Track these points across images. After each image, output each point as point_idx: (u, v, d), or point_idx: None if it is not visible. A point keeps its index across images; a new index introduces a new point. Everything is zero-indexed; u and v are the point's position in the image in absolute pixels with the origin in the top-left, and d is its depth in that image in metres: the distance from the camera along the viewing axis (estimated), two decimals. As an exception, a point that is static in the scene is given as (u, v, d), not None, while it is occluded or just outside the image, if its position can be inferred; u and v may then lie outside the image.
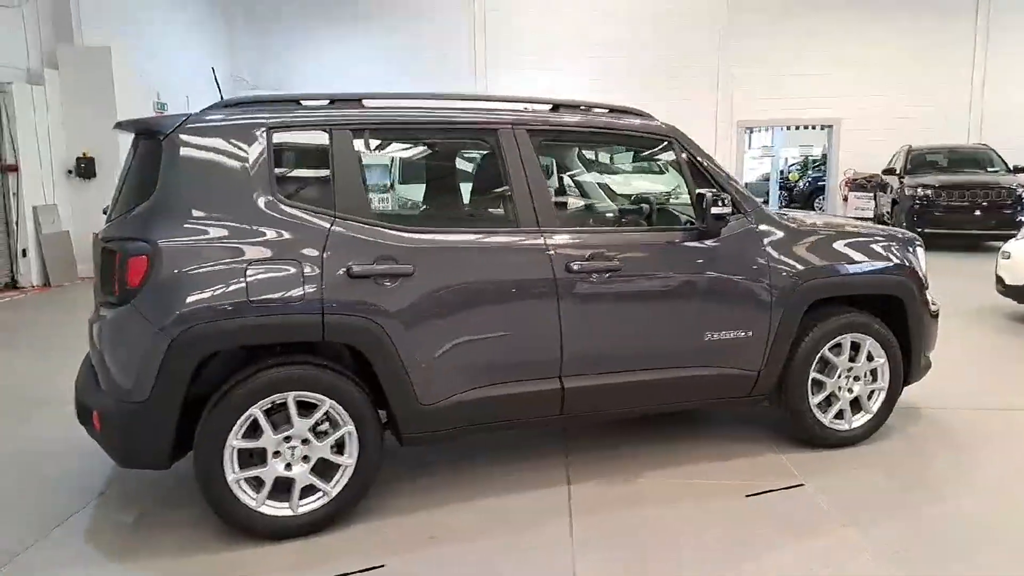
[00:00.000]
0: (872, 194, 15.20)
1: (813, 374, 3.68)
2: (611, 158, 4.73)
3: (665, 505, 3.21)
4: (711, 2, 15.65)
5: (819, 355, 3.67)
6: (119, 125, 3.05)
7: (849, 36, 15.65)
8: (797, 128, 22.34)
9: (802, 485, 3.38)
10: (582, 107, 3.52)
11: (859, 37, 15.63)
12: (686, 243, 3.43)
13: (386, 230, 3.01)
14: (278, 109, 3.04)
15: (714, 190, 3.35)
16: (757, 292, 3.50)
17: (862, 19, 15.61)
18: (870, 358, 3.79)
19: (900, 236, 3.99)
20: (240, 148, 2.90)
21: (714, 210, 3.28)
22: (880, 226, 4.19)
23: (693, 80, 15.59)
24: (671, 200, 4.10)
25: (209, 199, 2.85)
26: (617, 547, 2.88)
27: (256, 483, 2.88)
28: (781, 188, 23.82)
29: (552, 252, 3.19)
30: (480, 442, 3.88)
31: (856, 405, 3.83)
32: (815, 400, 3.71)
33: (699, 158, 3.54)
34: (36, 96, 9.32)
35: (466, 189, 3.58)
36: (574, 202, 4.19)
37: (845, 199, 16.21)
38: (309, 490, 2.95)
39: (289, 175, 3.00)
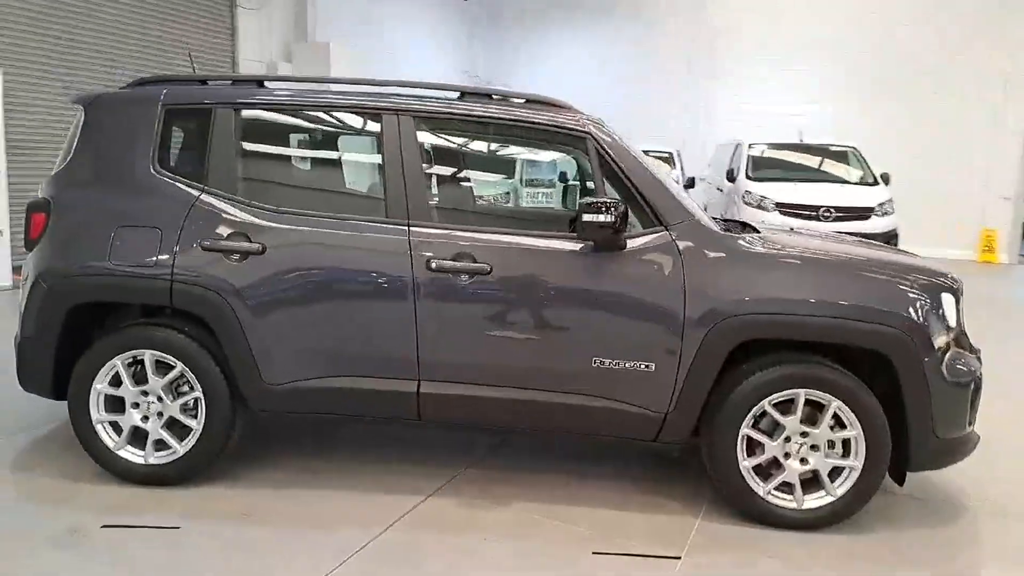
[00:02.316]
0: None
1: (747, 430, 3.00)
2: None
3: (497, 538, 2.88)
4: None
5: (759, 409, 2.98)
6: (72, 99, 3.51)
7: None
8: None
9: (676, 559, 2.79)
10: (493, 96, 3.23)
11: None
12: (576, 253, 2.99)
13: (246, 207, 3.08)
14: (180, 87, 3.27)
15: (605, 198, 2.87)
16: (662, 320, 2.93)
17: None
18: (842, 425, 2.98)
19: (922, 279, 3.00)
20: (133, 121, 3.18)
21: (587, 217, 2.81)
22: (916, 260, 3.23)
23: (962, 81, 12.90)
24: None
25: (103, 165, 3.20)
26: (388, 568, 2.66)
27: (119, 428, 3.17)
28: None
29: (414, 247, 3.01)
30: (389, 433, 3.81)
31: (815, 482, 3.04)
32: (747, 463, 3.02)
33: (618, 161, 3.05)
34: (274, 85, 10.95)
35: (342, 174, 3.49)
36: (473, 197, 3.86)
37: None
38: (164, 445, 3.16)
39: (174, 148, 3.21)
